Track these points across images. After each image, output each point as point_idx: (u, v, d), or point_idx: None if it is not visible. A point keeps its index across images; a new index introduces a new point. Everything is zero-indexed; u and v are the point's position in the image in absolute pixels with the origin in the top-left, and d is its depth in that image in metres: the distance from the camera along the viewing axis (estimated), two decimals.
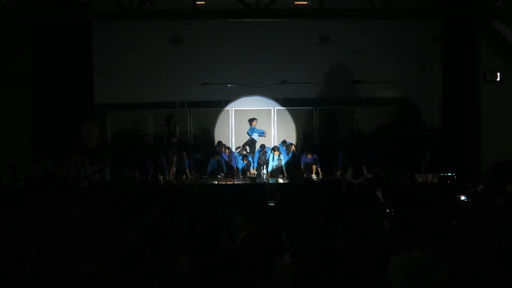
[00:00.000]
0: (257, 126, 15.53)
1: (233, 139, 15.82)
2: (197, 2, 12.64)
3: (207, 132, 16.01)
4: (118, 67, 15.61)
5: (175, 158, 14.06)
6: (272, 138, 16.01)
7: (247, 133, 15.48)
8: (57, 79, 13.87)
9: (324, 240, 5.70)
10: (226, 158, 14.96)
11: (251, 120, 15.43)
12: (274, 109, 16.15)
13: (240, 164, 14.79)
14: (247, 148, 15.17)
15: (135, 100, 15.88)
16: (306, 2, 14.13)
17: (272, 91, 16.01)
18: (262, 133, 15.52)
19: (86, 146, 13.31)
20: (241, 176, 14.58)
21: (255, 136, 15.42)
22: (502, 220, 6.03)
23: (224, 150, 15.14)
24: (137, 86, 15.75)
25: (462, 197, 8.75)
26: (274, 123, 16.12)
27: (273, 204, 9.53)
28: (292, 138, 15.83)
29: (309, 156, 14.50)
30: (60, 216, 6.85)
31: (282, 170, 14.73)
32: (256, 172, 14.57)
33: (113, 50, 15.52)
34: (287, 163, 14.93)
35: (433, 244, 4.89)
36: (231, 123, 15.93)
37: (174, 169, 14.15)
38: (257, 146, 15.30)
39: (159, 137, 14.97)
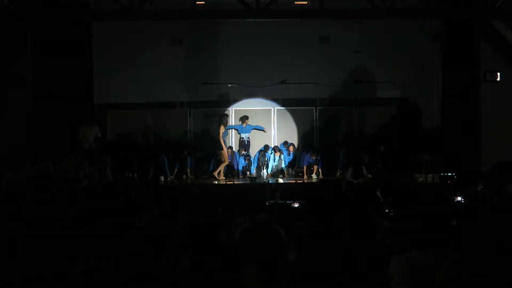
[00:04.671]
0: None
1: (233, 139, 15.81)
2: (197, 2, 12.65)
3: (207, 132, 16.01)
4: (118, 67, 15.61)
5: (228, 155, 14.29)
6: (272, 138, 16.01)
7: (239, 133, 15.40)
8: (57, 79, 13.90)
9: (325, 240, 5.70)
10: (229, 158, 14.95)
11: (243, 118, 15.17)
12: (274, 109, 16.15)
13: (241, 164, 14.79)
14: (243, 151, 15.11)
15: (135, 100, 15.88)
16: (306, 2, 14.14)
17: (272, 91, 16.01)
18: (258, 129, 15.45)
19: (84, 148, 13.36)
20: (241, 176, 14.59)
21: (247, 135, 15.26)
22: (502, 220, 6.03)
23: (227, 149, 15.12)
24: (137, 86, 15.75)
25: (459, 198, 8.73)
26: (274, 123, 16.12)
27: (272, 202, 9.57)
28: (292, 138, 15.82)
29: (313, 157, 14.51)
30: (60, 216, 6.85)
31: (283, 170, 14.75)
32: (256, 173, 14.55)
33: (113, 50, 15.53)
34: (287, 163, 14.97)
35: (433, 244, 4.89)
36: (231, 123, 15.92)
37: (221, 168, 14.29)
38: (256, 146, 15.26)
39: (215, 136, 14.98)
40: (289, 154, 15.15)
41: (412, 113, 16.04)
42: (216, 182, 13.83)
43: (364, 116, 16.20)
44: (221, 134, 14.05)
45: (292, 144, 15.38)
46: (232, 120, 15.93)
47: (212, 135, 15.78)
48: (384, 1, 12.93)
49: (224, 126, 14.19)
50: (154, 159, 14.28)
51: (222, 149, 14.02)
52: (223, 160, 14.17)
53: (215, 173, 14.18)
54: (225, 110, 15.91)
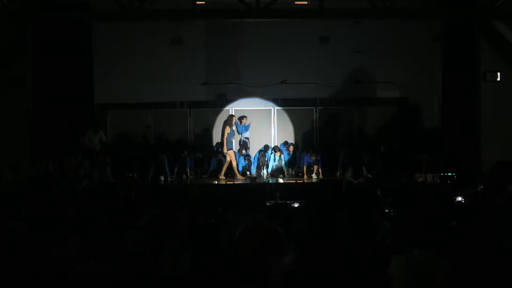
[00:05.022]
0: (257, 126, 15.48)
1: (233, 139, 15.79)
2: (197, 2, 12.65)
3: (207, 132, 16.01)
4: (118, 67, 15.61)
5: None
6: (272, 138, 16.01)
7: (238, 132, 15.33)
8: (57, 79, 13.90)
9: (325, 240, 5.70)
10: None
11: (241, 118, 15.06)
12: (274, 109, 16.15)
13: (241, 164, 14.79)
14: (243, 151, 15.10)
15: (135, 100, 15.88)
16: (306, 2, 14.13)
17: (272, 91, 16.00)
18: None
19: (87, 150, 13.43)
20: (241, 176, 14.58)
21: (246, 134, 15.25)
22: (502, 220, 6.03)
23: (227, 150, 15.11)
24: (137, 86, 15.75)
25: (459, 198, 8.73)
26: (274, 123, 16.12)
27: (272, 203, 9.57)
28: (292, 138, 15.83)
29: (313, 157, 14.51)
30: (60, 216, 6.85)
31: (283, 170, 14.74)
32: (256, 173, 14.54)
33: (113, 50, 15.53)
34: (287, 163, 14.97)
35: (433, 244, 4.89)
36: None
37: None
38: (256, 146, 15.24)
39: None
40: (289, 154, 15.14)
41: (412, 113, 16.05)
42: (216, 182, 13.83)
43: (364, 116, 16.20)
44: (226, 135, 14.07)
45: (292, 144, 15.38)
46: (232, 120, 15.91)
47: (212, 135, 15.83)
48: (384, 1, 12.93)
49: (230, 127, 14.19)
50: (154, 159, 14.29)
51: (228, 149, 14.09)
52: (229, 160, 14.20)
53: (221, 175, 14.25)
54: (225, 110, 15.94)
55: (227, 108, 16.03)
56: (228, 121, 14.27)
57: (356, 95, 16.11)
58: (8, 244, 5.69)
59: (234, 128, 14.35)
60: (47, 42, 13.88)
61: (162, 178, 14.11)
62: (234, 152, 14.97)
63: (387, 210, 7.61)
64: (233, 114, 14.95)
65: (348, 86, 16.11)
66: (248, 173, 14.62)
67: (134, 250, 5.41)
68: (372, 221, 6.41)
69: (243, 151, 14.98)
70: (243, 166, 14.79)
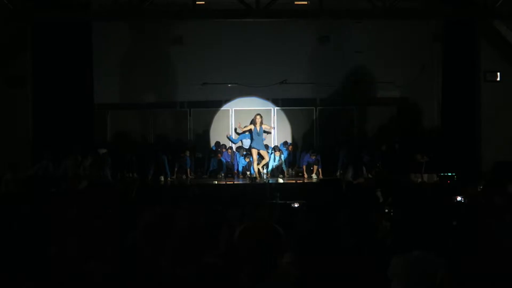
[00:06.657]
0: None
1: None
2: (197, 2, 12.65)
3: (207, 132, 16.01)
4: (118, 67, 15.61)
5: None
6: (272, 138, 15.99)
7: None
8: (57, 79, 13.91)
9: (325, 240, 5.70)
10: (229, 158, 14.96)
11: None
12: (274, 109, 16.15)
13: (242, 163, 14.78)
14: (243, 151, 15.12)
15: (135, 100, 15.88)
16: (306, 2, 14.13)
17: (272, 91, 16.00)
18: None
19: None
20: (241, 176, 14.58)
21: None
22: (502, 220, 6.03)
23: (227, 149, 15.14)
24: (137, 86, 15.76)
25: (459, 198, 8.73)
26: (274, 123, 16.11)
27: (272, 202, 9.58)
28: (292, 138, 15.83)
29: (313, 157, 14.52)
30: (60, 216, 6.85)
31: (283, 170, 14.74)
32: (255, 172, 14.55)
33: (113, 50, 15.53)
34: (287, 163, 14.96)
35: (433, 244, 4.89)
36: (231, 123, 15.93)
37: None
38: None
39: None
40: (289, 154, 15.14)
41: (412, 113, 16.04)
42: (216, 182, 13.84)
43: (364, 116, 16.20)
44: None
45: (292, 144, 15.37)
46: (232, 120, 15.94)
47: (215, 135, 15.83)
48: (384, 1, 12.93)
49: (255, 126, 14.16)
50: (154, 159, 14.29)
51: (252, 147, 14.14)
52: (256, 158, 14.26)
53: (256, 173, 14.17)
54: (225, 110, 15.94)
55: (227, 108, 16.03)
56: (253, 120, 14.28)
57: (356, 95, 16.10)
58: (8, 244, 5.69)
59: (258, 127, 14.24)
60: (47, 42, 13.88)
61: (162, 178, 14.11)
62: (234, 152, 14.99)
63: (387, 210, 7.61)
64: (259, 113, 14.72)
65: (348, 86, 16.10)
66: (248, 173, 14.62)
67: (134, 250, 5.40)
68: (372, 221, 6.42)
69: (243, 152, 14.99)
70: (243, 166, 14.79)
